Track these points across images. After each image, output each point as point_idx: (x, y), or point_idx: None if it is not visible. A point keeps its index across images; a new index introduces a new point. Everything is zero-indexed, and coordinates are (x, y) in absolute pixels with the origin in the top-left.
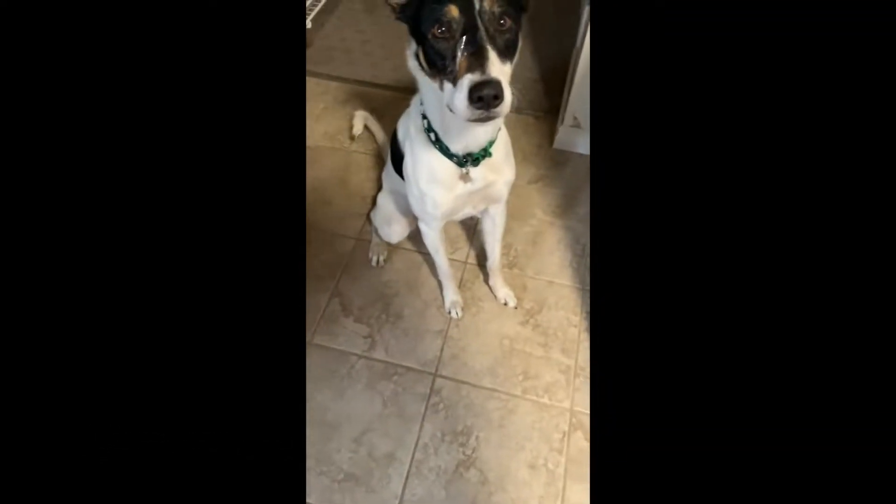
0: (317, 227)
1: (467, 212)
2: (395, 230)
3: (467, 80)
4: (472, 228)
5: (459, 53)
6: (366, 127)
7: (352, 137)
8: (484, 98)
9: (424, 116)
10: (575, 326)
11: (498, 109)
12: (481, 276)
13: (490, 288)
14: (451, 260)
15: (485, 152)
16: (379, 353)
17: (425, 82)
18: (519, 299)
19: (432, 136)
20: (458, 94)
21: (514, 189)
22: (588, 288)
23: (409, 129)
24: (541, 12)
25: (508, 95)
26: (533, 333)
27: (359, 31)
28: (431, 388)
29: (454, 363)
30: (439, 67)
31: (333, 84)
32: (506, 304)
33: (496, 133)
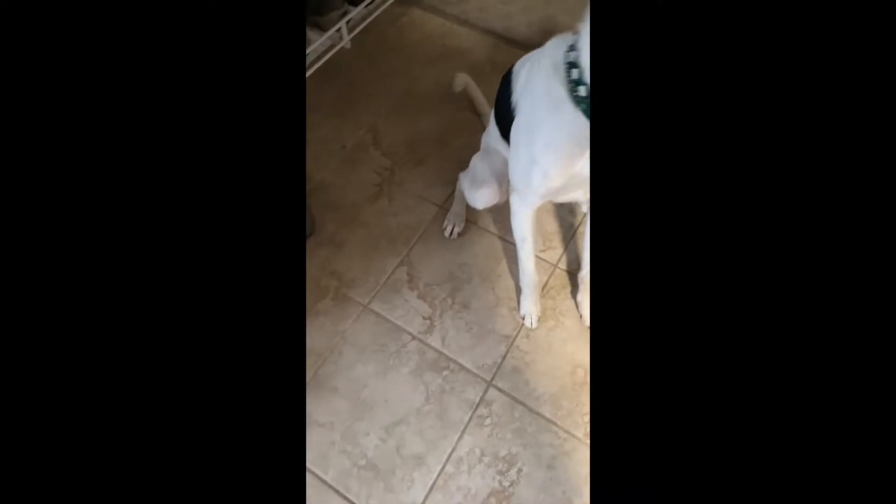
0: (402, 186)
1: (575, 196)
2: (482, 194)
3: None
4: (570, 227)
5: None
6: (467, 94)
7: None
8: None
9: (574, 65)
10: None
11: None
12: (569, 287)
13: (577, 304)
14: (538, 259)
15: None
16: (435, 341)
17: None
18: None
19: (583, 90)
20: None
21: None
22: None
23: (534, 82)
24: None
25: None
26: None
27: None
28: (482, 398)
29: (514, 377)
30: None
31: (458, 28)
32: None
33: None
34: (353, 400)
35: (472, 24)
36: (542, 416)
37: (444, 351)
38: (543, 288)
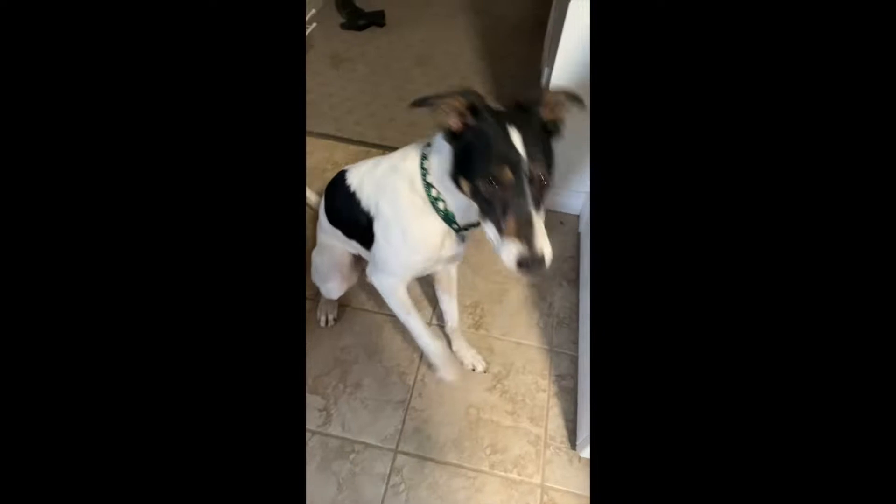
0: None
1: (436, 269)
2: (330, 287)
3: (516, 250)
4: (431, 285)
5: (508, 211)
6: None
7: None
8: (532, 270)
9: (430, 185)
10: (543, 391)
11: (540, 271)
12: (445, 339)
13: (454, 353)
14: None
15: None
16: (335, 429)
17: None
18: (486, 363)
19: (441, 205)
20: (505, 252)
21: (480, 244)
22: (555, 349)
23: (397, 192)
24: (505, 62)
25: (549, 253)
26: (500, 400)
27: (323, 84)
28: (392, 467)
29: (417, 437)
30: (483, 208)
31: None
32: (473, 369)
33: None
34: None
35: (307, 132)
36: (450, 464)
37: (346, 435)
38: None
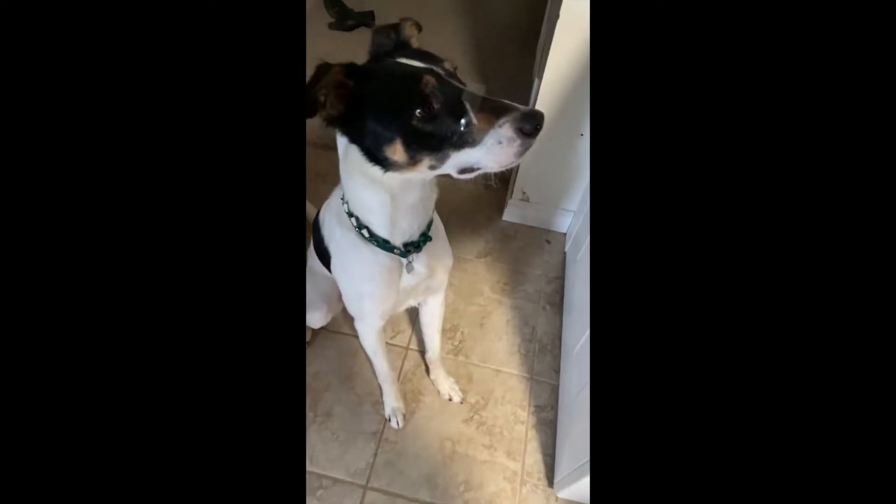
0: None
1: (409, 303)
2: (315, 317)
3: (509, 125)
4: (415, 310)
5: (471, 113)
6: None
7: None
8: (539, 127)
9: (351, 215)
10: (522, 423)
11: (541, 119)
12: (423, 365)
13: (432, 381)
14: (391, 345)
15: (425, 237)
16: None
17: (363, 179)
18: (464, 392)
19: (365, 232)
20: (493, 144)
21: (463, 264)
22: (536, 378)
23: (333, 231)
24: (492, 81)
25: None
26: (477, 433)
27: None
28: None
29: (389, 472)
30: (438, 148)
31: None
32: (450, 399)
33: (432, 209)
34: None
35: None
36: (421, 502)
37: (314, 469)
38: (400, 373)
